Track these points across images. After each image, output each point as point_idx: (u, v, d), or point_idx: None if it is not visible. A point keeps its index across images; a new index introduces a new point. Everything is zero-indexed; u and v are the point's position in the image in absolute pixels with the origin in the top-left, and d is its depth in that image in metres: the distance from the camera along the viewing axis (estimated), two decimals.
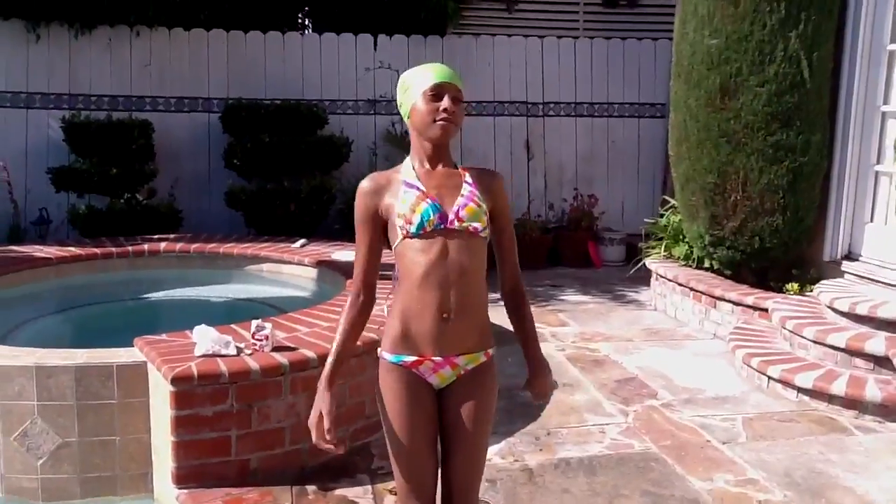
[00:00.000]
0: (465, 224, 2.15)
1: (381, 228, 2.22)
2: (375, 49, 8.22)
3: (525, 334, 2.37)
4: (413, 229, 2.13)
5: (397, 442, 2.21)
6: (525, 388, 2.39)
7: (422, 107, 2.16)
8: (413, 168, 2.22)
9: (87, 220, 6.93)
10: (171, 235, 6.52)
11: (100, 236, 6.54)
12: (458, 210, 2.15)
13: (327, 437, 2.18)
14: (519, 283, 2.36)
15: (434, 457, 2.25)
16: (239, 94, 7.81)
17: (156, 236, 6.40)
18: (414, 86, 2.18)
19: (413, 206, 2.14)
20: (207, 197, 7.75)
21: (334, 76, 8.19)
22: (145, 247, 6.05)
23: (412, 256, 2.15)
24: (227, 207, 7.43)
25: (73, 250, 5.86)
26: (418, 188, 2.17)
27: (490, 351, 2.27)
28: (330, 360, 2.24)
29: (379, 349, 2.27)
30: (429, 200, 2.15)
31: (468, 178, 2.23)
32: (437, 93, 2.15)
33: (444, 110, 2.14)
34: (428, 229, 2.13)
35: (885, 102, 5.47)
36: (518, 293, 2.36)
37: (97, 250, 5.91)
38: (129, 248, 6.01)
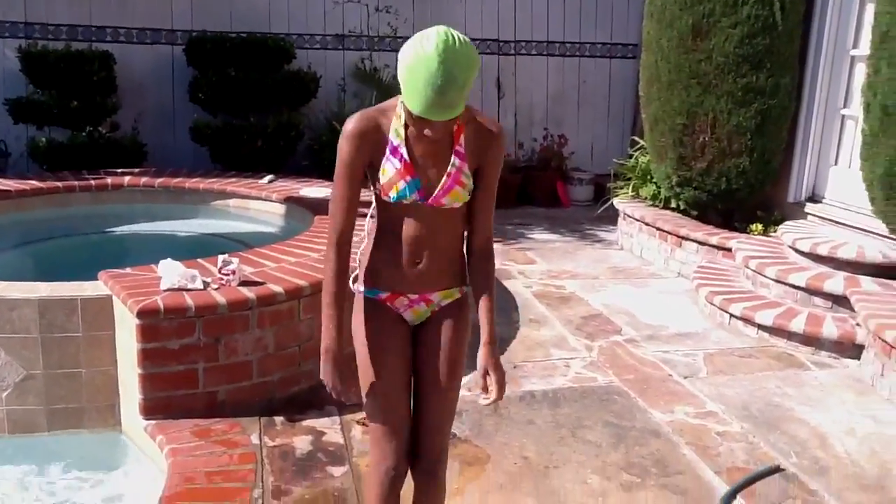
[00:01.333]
0: (444, 207, 2.08)
1: (364, 175, 2.10)
2: None
3: (484, 297, 2.17)
4: (390, 199, 2.06)
5: (371, 372, 2.16)
6: (482, 382, 2.16)
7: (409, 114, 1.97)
8: (403, 121, 2.01)
9: (47, 154, 6.73)
10: (136, 170, 6.38)
11: (61, 170, 6.40)
12: (440, 194, 2.05)
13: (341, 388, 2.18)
14: (489, 244, 2.22)
15: (408, 391, 2.22)
16: (203, 25, 7.57)
17: (119, 170, 6.27)
18: (406, 85, 1.89)
19: (392, 181, 2.04)
20: (172, 131, 7.58)
21: (302, 9, 7.97)
22: (109, 181, 5.94)
23: (386, 215, 2.11)
24: (193, 142, 7.29)
25: (34, 183, 5.73)
26: (402, 157, 2.03)
27: (464, 288, 2.24)
28: (331, 314, 2.13)
29: (352, 283, 2.20)
30: (408, 178, 2.03)
31: (461, 143, 2.06)
32: (421, 119, 1.93)
33: (425, 133, 1.96)
34: (405, 203, 2.06)
35: (855, 46, 5.49)
36: (486, 253, 2.21)
37: (59, 184, 5.79)
38: (93, 182, 5.89)
